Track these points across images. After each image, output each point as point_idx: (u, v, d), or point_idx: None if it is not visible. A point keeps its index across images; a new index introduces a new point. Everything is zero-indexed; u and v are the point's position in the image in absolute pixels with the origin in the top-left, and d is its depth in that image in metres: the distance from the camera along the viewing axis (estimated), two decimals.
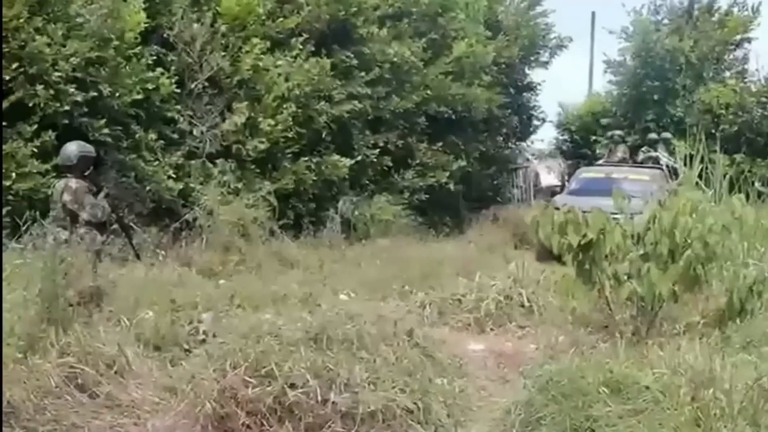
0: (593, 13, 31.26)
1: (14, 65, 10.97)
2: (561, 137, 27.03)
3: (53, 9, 11.76)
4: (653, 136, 20.96)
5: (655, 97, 21.91)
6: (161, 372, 6.63)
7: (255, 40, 14.37)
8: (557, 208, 11.89)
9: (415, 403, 5.81)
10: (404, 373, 6.09)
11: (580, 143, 25.51)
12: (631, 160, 20.35)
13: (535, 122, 26.12)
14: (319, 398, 5.61)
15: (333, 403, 5.62)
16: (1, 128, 10.40)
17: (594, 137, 24.30)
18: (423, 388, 6.04)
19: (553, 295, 9.35)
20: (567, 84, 45.09)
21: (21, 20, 11.05)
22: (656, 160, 18.05)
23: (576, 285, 7.58)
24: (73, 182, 9.03)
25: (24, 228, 8.46)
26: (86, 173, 9.26)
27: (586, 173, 17.64)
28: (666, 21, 23.34)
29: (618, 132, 21.93)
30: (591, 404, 5.22)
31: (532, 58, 24.38)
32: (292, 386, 5.64)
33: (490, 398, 6.74)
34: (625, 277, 7.31)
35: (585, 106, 26.01)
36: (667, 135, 20.21)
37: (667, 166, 16.38)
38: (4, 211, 10.52)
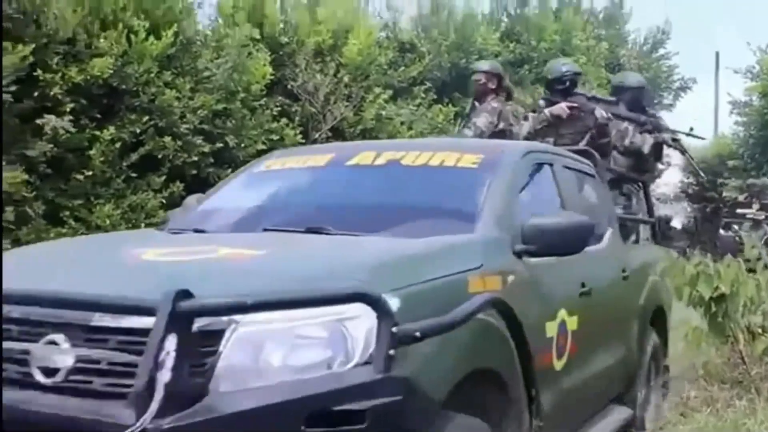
0: (717, 53, 30.71)
1: (144, 118, 11.23)
2: (686, 180, 26.35)
3: (182, 63, 12.05)
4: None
5: None
6: None
7: (377, 89, 14.49)
8: None
9: None
10: None
11: (707, 186, 24.82)
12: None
13: (660, 166, 25.61)
14: None
15: None
16: (0, 127, 10.49)
17: (721, 180, 23.67)
18: None
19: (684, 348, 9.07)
20: (692, 126, 44.13)
21: (151, 75, 11.32)
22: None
23: (708, 338, 7.33)
24: None
25: None
26: None
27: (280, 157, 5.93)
28: None
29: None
30: None
31: (655, 101, 24.06)
32: None
33: None
34: (759, 331, 7.04)
35: (711, 148, 25.35)
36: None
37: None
38: None
